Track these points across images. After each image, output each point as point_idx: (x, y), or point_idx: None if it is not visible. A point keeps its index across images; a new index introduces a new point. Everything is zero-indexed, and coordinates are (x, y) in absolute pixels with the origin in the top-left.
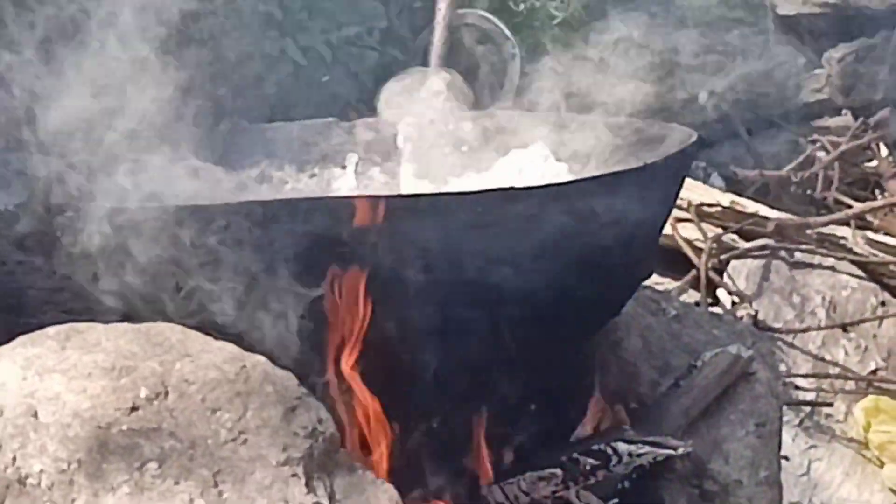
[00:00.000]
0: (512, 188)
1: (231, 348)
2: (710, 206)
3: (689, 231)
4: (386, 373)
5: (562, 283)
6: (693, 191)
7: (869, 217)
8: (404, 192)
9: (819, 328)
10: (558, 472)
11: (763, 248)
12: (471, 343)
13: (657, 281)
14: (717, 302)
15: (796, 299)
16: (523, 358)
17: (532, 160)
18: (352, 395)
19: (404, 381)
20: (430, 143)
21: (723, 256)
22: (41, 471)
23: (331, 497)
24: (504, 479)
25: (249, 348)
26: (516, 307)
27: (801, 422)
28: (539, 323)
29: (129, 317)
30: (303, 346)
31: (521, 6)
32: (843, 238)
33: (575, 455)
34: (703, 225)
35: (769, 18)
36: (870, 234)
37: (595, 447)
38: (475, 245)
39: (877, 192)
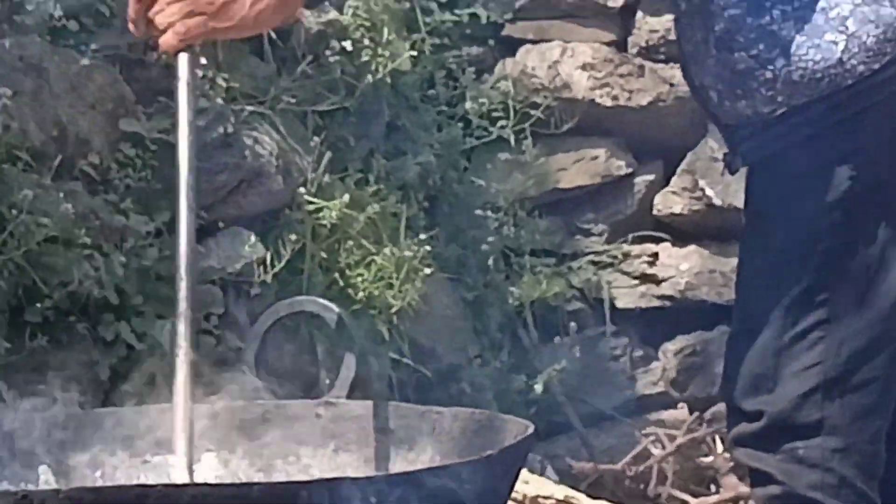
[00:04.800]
0: (341, 478)
1: None
2: (545, 498)
3: None
4: None
5: None
6: (528, 483)
7: None
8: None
9: None
10: None
11: None
12: None
13: None
14: None
15: None
16: None
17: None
18: None
19: None
20: None
21: None
22: None
23: None
24: None
25: None
26: None
27: None
28: None
29: None
30: None
31: (360, 294)
32: None
33: None
34: None
35: (606, 310)
36: None
37: None
38: None
39: (712, 486)
